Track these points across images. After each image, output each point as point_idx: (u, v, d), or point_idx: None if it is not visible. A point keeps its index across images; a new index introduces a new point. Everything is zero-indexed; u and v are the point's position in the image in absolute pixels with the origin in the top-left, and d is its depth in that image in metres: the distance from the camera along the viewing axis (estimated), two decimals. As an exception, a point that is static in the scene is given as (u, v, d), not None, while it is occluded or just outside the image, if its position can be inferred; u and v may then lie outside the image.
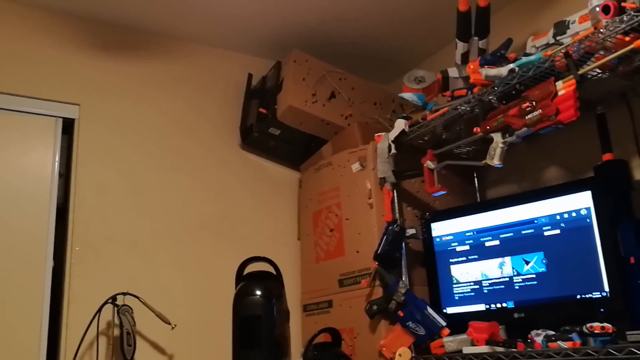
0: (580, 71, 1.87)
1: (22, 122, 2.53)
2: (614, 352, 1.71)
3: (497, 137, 2.07)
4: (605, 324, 1.80)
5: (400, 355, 2.17)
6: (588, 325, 1.83)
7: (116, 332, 2.41)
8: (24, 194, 2.46)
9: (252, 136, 2.94)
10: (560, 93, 1.88)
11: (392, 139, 2.51)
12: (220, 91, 3.08)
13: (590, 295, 2.00)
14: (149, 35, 2.94)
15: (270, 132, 2.91)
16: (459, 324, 2.24)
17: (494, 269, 2.28)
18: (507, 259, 2.25)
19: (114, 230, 2.59)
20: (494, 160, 2.06)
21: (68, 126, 2.64)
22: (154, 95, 2.88)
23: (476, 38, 2.42)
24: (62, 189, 2.59)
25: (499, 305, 2.25)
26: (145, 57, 2.91)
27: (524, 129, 1.98)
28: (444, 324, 2.26)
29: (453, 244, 2.44)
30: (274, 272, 2.26)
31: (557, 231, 2.12)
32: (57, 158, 2.57)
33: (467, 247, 2.39)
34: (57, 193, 2.53)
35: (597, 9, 1.83)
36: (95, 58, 2.77)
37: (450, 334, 2.23)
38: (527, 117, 1.96)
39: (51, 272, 2.43)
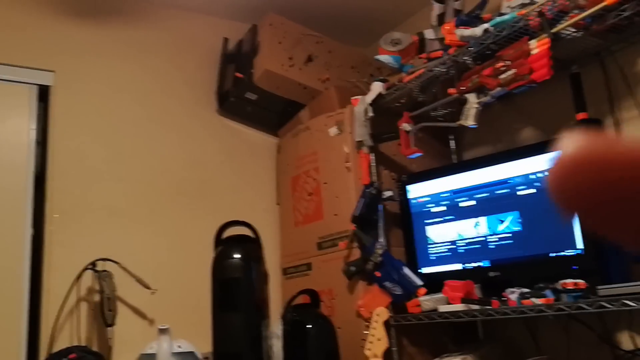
0: (554, 29, 1.88)
1: (-4, 89, 2.50)
2: (585, 307, 1.76)
3: (471, 98, 2.08)
4: (578, 280, 1.85)
5: (377, 314, 2.20)
6: (561, 282, 1.87)
7: (97, 297, 2.42)
8: (1, 162, 2.43)
9: (229, 101, 2.92)
10: (533, 52, 1.89)
11: (369, 102, 2.51)
12: (196, 56, 3.05)
13: (564, 253, 2.03)
14: (123, 0, 2.89)
15: (247, 97, 2.89)
16: (435, 283, 2.27)
17: (470, 229, 2.31)
18: (483, 219, 2.28)
19: (93, 198, 2.58)
20: (468, 120, 2.07)
21: (43, 93, 2.61)
22: (129, 62, 2.84)
23: (452, -1, 2.41)
24: (40, 157, 2.56)
25: (474, 265, 2.29)
26: (120, 22, 2.86)
27: (498, 88, 1.99)
28: (420, 283, 2.29)
29: (429, 205, 2.46)
30: (253, 236, 2.27)
31: (532, 190, 2.14)
32: (34, 126, 2.54)
33: (443, 208, 2.41)
34: (34, 161, 2.51)
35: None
36: (70, 24, 2.72)
37: (426, 293, 2.27)
38: (501, 77, 1.97)
39: (30, 240, 2.42)
